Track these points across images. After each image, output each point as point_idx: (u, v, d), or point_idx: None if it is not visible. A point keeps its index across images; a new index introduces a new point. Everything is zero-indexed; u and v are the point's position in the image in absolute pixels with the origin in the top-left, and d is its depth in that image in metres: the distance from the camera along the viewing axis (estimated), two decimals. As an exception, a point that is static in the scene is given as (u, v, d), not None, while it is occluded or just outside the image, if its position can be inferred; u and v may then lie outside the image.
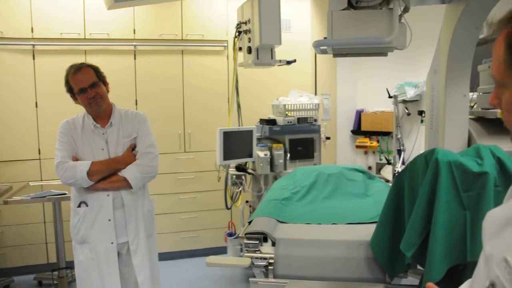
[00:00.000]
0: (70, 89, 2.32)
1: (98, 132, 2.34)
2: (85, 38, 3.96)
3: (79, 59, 3.63)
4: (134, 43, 4.08)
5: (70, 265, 2.56)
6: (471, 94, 2.65)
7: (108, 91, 2.40)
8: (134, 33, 4.07)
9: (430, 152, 1.76)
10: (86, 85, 2.27)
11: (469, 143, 2.48)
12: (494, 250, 0.79)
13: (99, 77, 2.34)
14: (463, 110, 2.43)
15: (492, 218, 0.85)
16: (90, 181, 2.24)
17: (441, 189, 1.65)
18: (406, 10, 2.09)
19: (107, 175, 2.28)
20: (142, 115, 2.47)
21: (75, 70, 2.29)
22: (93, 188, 2.28)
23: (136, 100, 4.15)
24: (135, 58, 4.12)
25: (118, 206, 2.31)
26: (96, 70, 2.35)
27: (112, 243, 2.30)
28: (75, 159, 2.29)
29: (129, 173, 2.29)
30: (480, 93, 2.75)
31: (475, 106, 2.88)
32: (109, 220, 2.29)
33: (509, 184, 0.88)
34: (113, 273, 2.31)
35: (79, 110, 2.40)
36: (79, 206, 2.32)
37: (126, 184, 2.29)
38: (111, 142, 2.34)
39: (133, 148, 2.37)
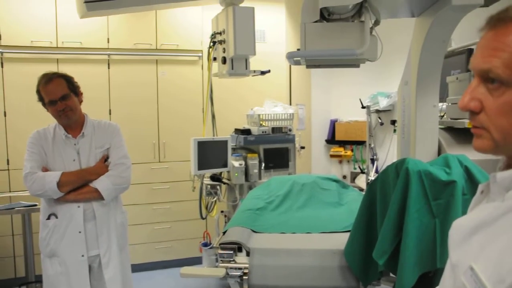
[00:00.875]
0: (41, 99, 2.28)
1: (70, 142, 2.30)
2: (57, 47, 3.90)
3: (50, 68, 3.55)
4: (108, 52, 4.04)
5: (40, 279, 2.49)
6: (440, 104, 2.72)
7: (81, 102, 2.36)
8: (108, 42, 4.04)
9: (401, 161, 1.80)
10: (56, 97, 2.22)
11: (439, 152, 2.54)
12: (460, 258, 0.80)
13: (71, 88, 2.29)
14: (433, 120, 2.48)
15: (458, 227, 0.86)
16: (60, 192, 2.19)
17: (412, 198, 1.69)
18: (377, 23, 2.14)
19: (78, 186, 2.23)
20: (115, 126, 2.44)
21: (46, 81, 2.24)
22: (64, 200, 2.23)
23: (110, 110, 4.11)
24: (109, 68, 4.08)
25: (89, 218, 2.27)
26: (68, 81, 2.30)
27: (82, 256, 2.25)
28: (45, 169, 2.24)
29: (100, 184, 2.25)
30: (449, 104, 2.82)
31: (444, 116, 2.95)
32: (80, 232, 2.24)
33: (476, 192, 0.90)
34: (84, 287, 2.26)
35: (49, 120, 2.35)
36: (48, 218, 2.27)
37: (97, 196, 2.25)
38: (83, 153, 2.30)
39: (105, 159, 2.33)
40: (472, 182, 1.72)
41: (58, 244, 2.25)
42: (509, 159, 0.80)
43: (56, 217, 2.25)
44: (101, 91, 4.06)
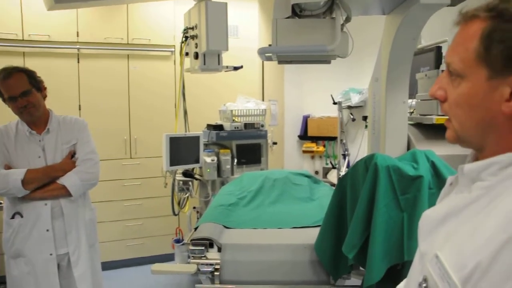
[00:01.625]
0: (1, 94, 2.17)
1: (34, 139, 2.22)
2: (23, 40, 3.77)
3: (16, 62, 3.47)
4: (77, 46, 3.94)
5: (3, 280, 2.42)
6: (410, 101, 2.77)
7: (45, 97, 2.27)
8: (78, 35, 3.94)
9: (370, 157, 1.83)
10: (16, 93, 2.12)
11: (409, 147, 2.59)
12: (428, 247, 0.83)
13: (33, 84, 2.18)
14: (403, 116, 2.52)
15: (427, 218, 0.89)
16: (25, 190, 2.12)
17: (380, 193, 1.72)
18: (348, 19, 2.16)
19: (44, 184, 2.17)
20: (82, 121, 2.38)
21: (5, 76, 2.12)
22: (30, 198, 2.15)
23: (79, 106, 4.01)
24: (78, 62, 3.99)
25: (57, 215, 2.21)
26: (30, 75, 2.19)
27: (51, 254, 2.20)
28: (8, 167, 2.16)
29: (68, 180, 2.19)
30: (419, 100, 2.88)
31: (414, 112, 3.01)
32: (47, 230, 2.18)
33: (442, 186, 0.93)
34: (53, 287, 2.21)
35: (12, 116, 2.26)
36: (12, 217, 2.19)
37: (65, 192, 2.19)
38: (49, 149, 2.24)
39: (72, 155, 2.28)
40: (438, 177, 1.76)
41: (24, 243, 2.18)
42: (477, 152, 0.83)
43: (21, 216, 2.19)
44: (70, 86, 3.96)
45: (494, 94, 0.74)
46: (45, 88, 2.28)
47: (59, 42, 3.89)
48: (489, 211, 0.71)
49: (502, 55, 0.72)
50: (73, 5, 2.73)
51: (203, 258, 2.20)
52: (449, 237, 0.77)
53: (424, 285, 0.79)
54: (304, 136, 5.81)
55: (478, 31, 0.75)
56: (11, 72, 2.15)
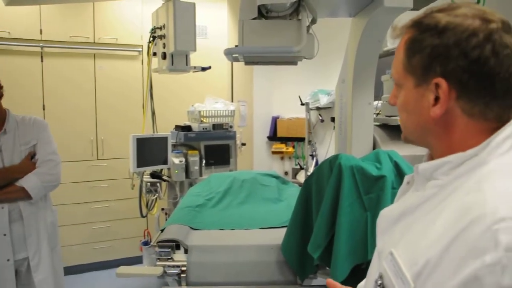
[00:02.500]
0: None
1: None
2: (-20, 36, 3.65)
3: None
4: (40, 44, 3.84)
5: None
6: (376, 102, 2.82)
7: (1, 96, 2.19)
8: (41, 33, 3.83)
9: (334, 157, 1.85)
10: None
11: (374, 148, 2.63)
12: (384, 245, 0.85)
13: None
14: (369, 117, 2.56)
15: (384, 216, 0.92)
16: None
17: (344, 192, 1.74)
18: (314, 21, 2.18)
19: (1, 186, 2.09)
20: (42, 121, 2.31)
21: None
22: None
23: (43, 105, 3.91)
24: (42, 61, 3.88)
25: (16, 219, 2.13)
26: None
27: (8, 260, 2.11)
28: None
29: (28, 182, 2.12)
30: (384, 102, 2.93)
31: (379, 114, 3.06)
32: (5, 235, 2.10)
33: None
34: None
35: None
36: None
37: (24, 195, 2.12)
38: (6, 150, 2.16)
39: (32, 156, 2.21)
40: (401, 177, 1.79)
41: None
42: (431, 152, 0.86)
43: None
44: (34, 86, 3.85)
45: (422, 101, 0.80)
46: (1, 87, 2.20)
47: (21, 40, 3.77)
48: (440, 210, 0.73)
49: (420, 64, 0.79)
50: (33, 2, 2.65)
51: (169, 260, 2.17)
52: (403, 235, 0.79)
53: (380, 282, 0.81)
54: (273, 137, 5.83)
55: (403, 44, 0.82)
56: None
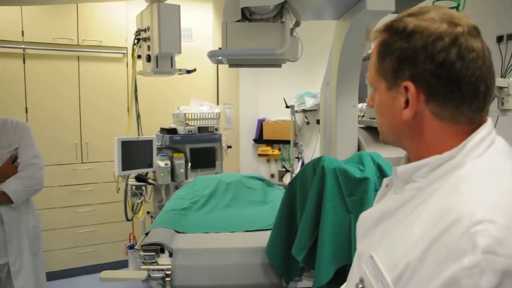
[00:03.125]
0: None
1: None
2: (-41, 37, 3.60)
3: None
4: (22, 46, 3.79)
5: None
6: (360, 104, 2.83)
7: None
8: (23, 35, 3.78)
9: (317, 160, 1.85)
10: None
11: (359, 150, 2.64)
12: (364, 248, 0.85)
13: None
14: (353, 119, 2.58)
15: (363, 219, 0.92)
16: None
17: (327, 195, 1.74)
18: (297, 24, 2.19)
19: None
20: (24, 124, 2.28)
21: None
22: None
23: (26, 108, 3.86)
24: (24, 63, 3.83)
25: None
26: None
27: None
28: None
29: (9, 186, 2.10)
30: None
31: (364, 116, 3.08)
32: None
33: None
34: None
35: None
36: None
37: (5, 199, 2.09)
38: None
39: (14, 160, 2.18)
40: (383, 178, 1.80)
41: None
42: (408, 154, 0.87)
43: None
44: (15, 88, 3.80)
45: (394, 103, 0.81)
46: None
47: (2, 41, 3.73)
48: (418, 212, 0.73)
49: (390, 67, 0.80)
50: (15, 2, 2.61)
51: (154, 263, 2.16)
52: (383, 238, 0.80)
53: (361, 285, 0.81)
54: (259, 139, 5.83)
55: (375, 47, 0.84)
56: None
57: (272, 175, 5.81)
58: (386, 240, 0.78)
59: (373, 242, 0.83)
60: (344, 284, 1.06)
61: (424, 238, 0.67)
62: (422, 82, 0.76)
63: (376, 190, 1.76)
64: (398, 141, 0.86)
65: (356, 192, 1.76)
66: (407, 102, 0.78)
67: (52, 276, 2.63)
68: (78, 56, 4.05)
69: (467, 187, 0.69)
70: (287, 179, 5.30)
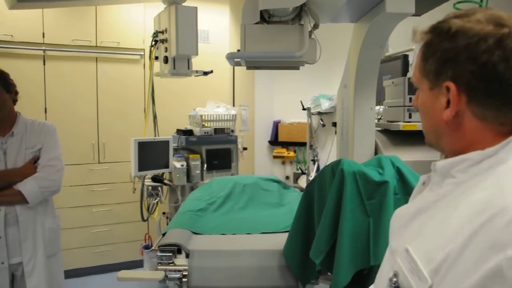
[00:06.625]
0: None
1: None
2: (-17, 39, 3.66)
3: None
4: (43, 48, 3.85)
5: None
6: (377, 107, 2.82)
7: (15, 102, 2.23)
8: (43, 37, 3.85)
9: (336, 162, 1.85)
10: None
11: (376, 153, 2.63)
12: (400, 243, 0.84)
13: (4, 85, 2.15)
14: (370, 122, 2.56)
15: (399, 215, 0.92)
16: None
17: (346, 198, 1.74)
18: (316, 26, 2.18)
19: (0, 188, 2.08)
20: (50, 126, 2.31)
21: None
22: None
23: (45, 108, 3.92)
24: (44, 64, 3.89)
25: (12, 222, 2.12)
26: (2, 77, 2.16)
27: (2, 263, 2.10)
28: None
29: (25, 186, 2.11)
30: (386, 107, 2.93)
31: (381, 119, 3.06)
32: (0, 237, 2.09)
33: (407, 191, 0.98)
34: None
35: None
36: None
37: (21, 198, 2.10)
38: (11, 153, 2.16)
39: (35, 160, 2.20)
40: (403, 182, 1.79)
41: None
42: (447, 155, 0.86)
43: None
44: (36, 88, 3.86)
45: (436, 103, 0.81)
46: (16, 93, 2.23)
47: (24, 43, 3.79)
48: (456, 205, 0.72)
49: (433, 67, 0.80)
50: (38, 5, 2.66)
51: (171, 264, 2.17)
52: (419, 232, 0.79)
53: (395, 279, 0.80)
54: (274, 141, 5.83)
55: (420, 48, 0.85)
56: None
57: (287, 177, 5.80)
58: (422, 234, 0.78)
59: (409, 236, 0.82)
60: (372, 285, 1.05)
61: (464, 230, 0.67)
62: (463, 83, 0.75)
63: (396, 194, 1.75)
64: (438, 142, 0.86)
65: (375, 195, 1.74)
66: (448, 102, 0.78)
67: (67, 274, 2.66)
68: (96, 58, 4.10)
69: (509, 181, 0.69)
70: (302, 181, 5.28)
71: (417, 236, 0.79)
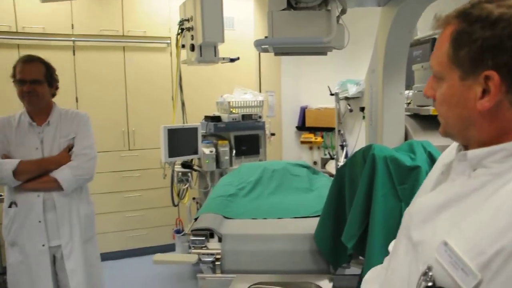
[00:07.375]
0: (14, 75, 2.21)
1: (34, 130, 2.24)
2: (17, 32, 3.75)
3: (11, 54, 3.48)
4: (72, 39, 3.93)
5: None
6: (407, 92, 2.79)
7: (53, 95, 2.31)
8: (72, 28, 3.93)
9: (368, 148, 1.85)
10: (27, 78, 2.17)
11: (406, 138, 2.61)
12: (428, 235, 0.82)
13: (47, 77, 2.24)
14: (400, 107, 2.54)
15: (421, 206, 0.89)
16: (17, 181, 2.14)
17: (378, 183, 1.74)
18: (343, 11, 2.16)
19: (39, 175, 2.18)
20: (84, 115, 2.38)
21: (26, 60, 2.21)
22: (22, 188, 2.17)
23: (76, 98, 4.02)
24: (74, 54, 3.98)
25: (50, 208, 2.21)
26: (48, 69, 2.25)
27: (43, 245, 2.20)
28: (5, 157, 2.17)
29: (60, 174, 2.19)
30: (415, 91, 2.89)
31: (411, 103, 3.03)
32: (40, 222, 2.19)
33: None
34: (45, 277, 2.22)
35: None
36: (10, 206, 2.21)
37: (56, 186, 2.18)
38: (47, 141, 2.24)
39: (70, 149, 2.28)
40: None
41: (18, 232, 2.20)
42: (471, 145, 0.84)
43: (16, 206, 2.20)
44: (66, 78, 3.94)
45: (468, 93, 0.78)
46: (57, 88, 2.32)
47: (54, 35, 3.88)
48: (501, 198, 0.71)
49: (469, 56, 0.77)
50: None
51: (203, 248, 2.23)
52: (455, 224, 0.76)
53: (431, 273, 0.77)
54: (302, 127, 5.82)
55: (449, 35, 0.80)
56: (33, 59, 2.23)
57: (315, 162, 5.80)
58: (462, 226, 0.75)
59: (442, 228, 0.79)
60: (368, 273, 1.03)
61: None
62: (506, 72, 0.73)
63: (428, 178, 1.74)
64: (462, 132, 0.83)
65: (407, 180, 1.74)
66: (483, 92, 0.76)
67: (103, 257, 2.76)
68: (124, 47, 4.16)
69: None
70: (330, 166, 5.28)
71: (453, 229, 0.76)
